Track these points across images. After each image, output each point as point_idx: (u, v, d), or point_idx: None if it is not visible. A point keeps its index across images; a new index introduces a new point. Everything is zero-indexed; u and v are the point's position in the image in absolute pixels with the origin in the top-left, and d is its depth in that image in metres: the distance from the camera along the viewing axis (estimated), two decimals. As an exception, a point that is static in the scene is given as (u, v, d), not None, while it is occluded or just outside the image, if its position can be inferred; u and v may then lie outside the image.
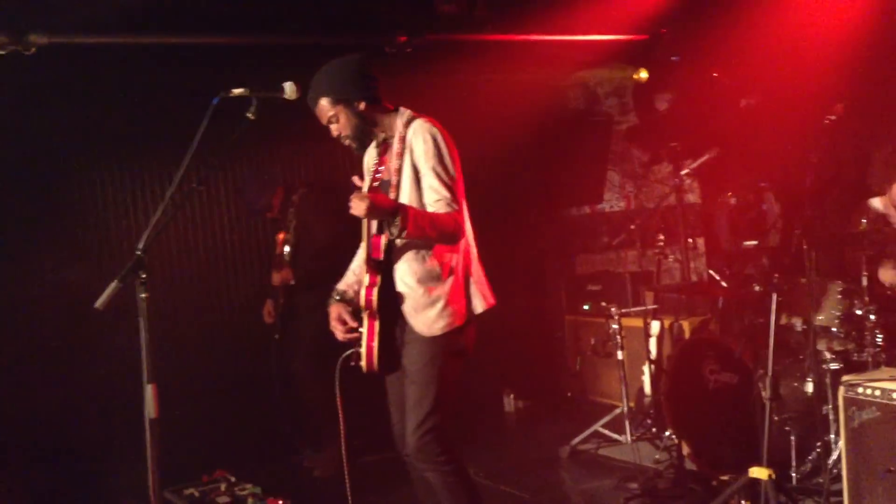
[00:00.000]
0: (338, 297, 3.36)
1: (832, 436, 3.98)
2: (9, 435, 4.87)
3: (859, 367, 3.93)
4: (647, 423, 5.26)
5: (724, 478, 4.26)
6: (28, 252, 5.18)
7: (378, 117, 3.28)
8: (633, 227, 5.50)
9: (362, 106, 3.23)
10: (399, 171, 3.18)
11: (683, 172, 5.23)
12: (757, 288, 4.53)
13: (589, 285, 6.65)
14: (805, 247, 3.91)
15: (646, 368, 5.38)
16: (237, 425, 5.47)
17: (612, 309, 5.39)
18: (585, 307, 6.56)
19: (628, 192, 7.00)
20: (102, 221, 5.55)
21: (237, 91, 2.93)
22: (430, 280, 3.16)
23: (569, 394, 6.73)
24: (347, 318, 3.24)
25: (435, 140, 3.16)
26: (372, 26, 5.33)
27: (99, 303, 2.57)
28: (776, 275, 3.90)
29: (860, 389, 3.33)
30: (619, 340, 5.35)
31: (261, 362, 5.41)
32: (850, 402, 3.37)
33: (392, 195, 3.15)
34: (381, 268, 3.17)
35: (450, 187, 3.13)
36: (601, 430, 5.36)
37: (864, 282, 3.98)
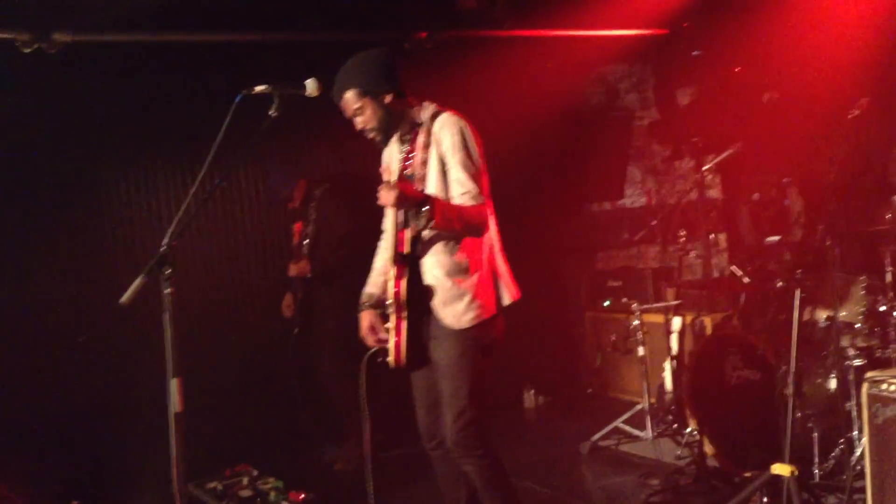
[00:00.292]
0: (367, 303, 3.37)
1: (855, 433, 3.95)
2: (38, 427, 4.94)
3: (883, 364, 3.90)
4: (669, 420, 5.25)
5: (746, 474, 4.24)
6: (54, 249, 5.24)
7: (403, 110, 3.28)
8: (654, 222, 5.48)
9: (388, 99, 3.23)
10: (425, 163, 3.19)
11: (705, 168, 5.19)
12: (780, 284, 4.50)
13: (610, 281, 6.64)
14: (828, 242, 3.88)
15: (667, 365, 5.36)
16: (259, 419, 5.51)
17: (633, 305, 5.38)
18: (606, 303, 6.54)
19: (649, 188, 6.97)
20: (126, 218, 5.60)
21: (259, 88, 2.94)
22: (458, 273, 3.17)
23: (589, 390, 6.72)
24: (378, 326, 3.27)
25: (462, 133, 3.17)
26: (392, 23, 5.34)
27: (124, 298, 2.60)
28: (799, 270, 3.87)
29: (884, 386, 3.30)
30: (640, 337, 5.34)
31: (283, 356, 5.45)
32: (873, 398, 3.34)
33: (419, 188, 3.16)
34: (408, 261, 3.19)
35: (476, 180, 3.15)
36: (622, 426, 5.35)
37: (889, 277, 3.95)
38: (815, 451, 4.09)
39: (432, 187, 3.17)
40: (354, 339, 5.05)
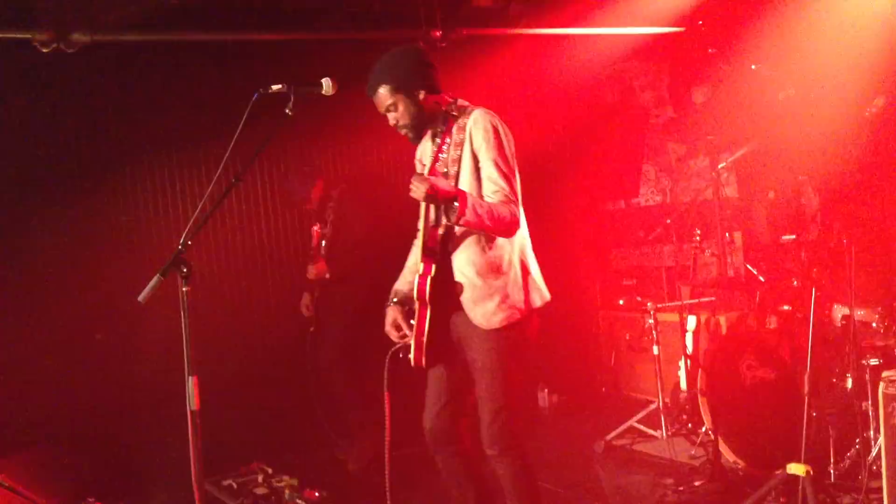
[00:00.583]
0: (395, 299, 3.36)
1: (871, 432, 3.93)
2: (54, 425, 4.98)
3: (900, 363, 3.88)
4: (683, 419, 5.23)
5: (762, 474, 4.23)
6: (71, 247, 5.27)
7: (437, 107, 3.27)
8: (668, 221, 5.46)
9: (422, 95, 3.23)
10: (458, 160, 3.17)
11: (721, 166, 5.18)
12: (795, 283, 4.48)
13: (624, 280, 6.63)
14: (845, 241, 3.86)
15: (681, 363, 5.34)
16: (275, 417, 5.53)
17: (648, 303, 5.36)
18: (620, 302, 6.53)
19: (664, 186, 6.95)
20: (144, 217, 5.64)
21: (276, 87, 2.96)
22: (489, 272, 3.16)
23: (603, 389, 6.71)
24: (403, 323, 3.26)
25: (496, 130, 3.16)
26: (407, 21, 5.34)
27: (141, 297, 2.62)
28: (815, 269, 3.86)
29: (901, 386, 3.29)
30: (654, 335, 5.33)
31: (298, 355, 5.47)
32: (890, 398, 3.32)
33: (450, 184, 3.13)
34: (437, 257, 3.18)
35: (508, 179, 3.13)
36: (636, 425, 5.35)
37: (906, 277, 3.93)
38: (831, 450, 4.07)
39: (464, 184, 3.16)
40: (361, 339, 5.10)
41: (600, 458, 5.21)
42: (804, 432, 3.56)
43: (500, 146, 3.14)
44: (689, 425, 5.14)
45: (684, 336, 5.28)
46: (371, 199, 5.55)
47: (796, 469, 3.53)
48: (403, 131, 3.30)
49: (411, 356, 3.19)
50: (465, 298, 3.17)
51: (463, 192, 3.06)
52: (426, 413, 3.36)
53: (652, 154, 7.02)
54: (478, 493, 3.38)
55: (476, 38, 5.58)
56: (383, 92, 3.23)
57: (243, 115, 2.88)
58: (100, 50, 4.76)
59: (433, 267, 3.15)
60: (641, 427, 5.33)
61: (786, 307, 4.61)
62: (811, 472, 3.50)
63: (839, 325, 4.29)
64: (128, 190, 5.61)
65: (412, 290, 3.22)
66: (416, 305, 3.18)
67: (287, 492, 4.48)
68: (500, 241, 3.18)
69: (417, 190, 3.00)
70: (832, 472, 4.05)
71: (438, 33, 5.35)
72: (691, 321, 5.43)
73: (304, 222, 5.86)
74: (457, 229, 3.13)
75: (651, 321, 5.34)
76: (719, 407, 4.57)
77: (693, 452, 4.86)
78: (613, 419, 5.47)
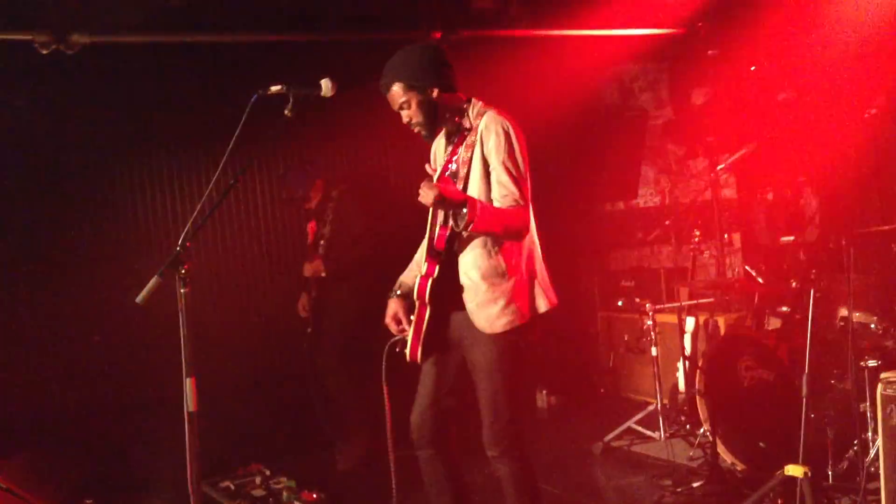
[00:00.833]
0: (398, 291, 3.33)
1: (870, 434, 3.93)
2: (52, 426, 4.98)
3: (898, 365, 3.88)
4: (681, 420, 5.24)
5: (760, 475, 4.23)
6: (69, 249, 5.28)
7: (451, 106, 3.24)
8: (667, 222, 5.46)
9: (435, 93, 3.19)
10: (469, 162, 3.14)
11: (720, 167, 5.19)
12: (794, 284, 4.48)
13: (623, 281, 6.63)
14: (844, 242, 3.86)
15: (680, 365, 5.35)
16: (272, 419, 5.53)
17: (647, 305, 5.37)
18: (619, 303, 6.53)
19: (663, 188, 6.95)
20: (142, 217, 5.64)
21: (275, 88, 2.96)
22: (494, 276, 3.13)
23: (602, 390, 6.71)
24: (403, 317, 3.25)
25: (507, 134, 3.12)
26: (407, 22, 5.34)
27: (139, 298, 2.62)
28: (814, 270, 3.86)
29: (899, 387, 3.29)
30: (652, 337, 5.33)
31: (296, 356, 5.47)
32: (888, 399, 3.32)
33: (459, 186, 3.11)
34: (442, 259, 3.16)
35: (519, 183, 3.10)
36: (634, 426, 5.35)
37: (904, 278, 3.93)
38: (829, 452, 4.07)
39: (474, 187, 3.13)
40: (358, 340, 5.10)
41: (599, 459, 5.21)
42: (802, 434, 3.56)
43: (510, 150, 3.11)
44: (688, 426, 5.14)
45: (683, 337, 5.28)
46: (371, 198, 5.55)
47: (794, 470, 3.53)
48: (416, 129, 3.26)
49: (407, 351, 3.19)
50: (469, 302, 3.15)
51: (472, 199, 3.02)
52: (414, 409, 3.33)
53: (651, 155, 7.02)
54: (454, 499, 3.35)
55: (476, 40, 5.58)
56: (396, 89, 3.19)
57: (242, 116, 2.88)
58: (99, 51, 4.75)
59: (436, 268, 3.14)
60: (640, 428, 5.34)
61: (784, 308, 4.61)
62: (809, 474, 3.49)
63: (837, 326, 4.29)
64: (126, 191, 5.62)
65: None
66: (416, 304, 3.17)
67: (285, 493, 4.48)
68: (508, 245, 3.16)
69: (426, 196, 2.96)
70: (830, 473, 4.05)
71: (438, 34, 5.35)
72: (690, 322, 5.44)
73: (303, 222, 5.86)
74: (463, 233, 3.10)
75: (650, 322, 5.35)
76: (718, 408, 4.57)
77: (691, 454, 4.86)
78: (612, 420, 5.47)
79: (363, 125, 5.81)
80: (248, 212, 5.98)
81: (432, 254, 3.17)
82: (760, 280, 4.89)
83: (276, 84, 2.96)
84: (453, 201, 2.98)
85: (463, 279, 3.17)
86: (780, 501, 3.79)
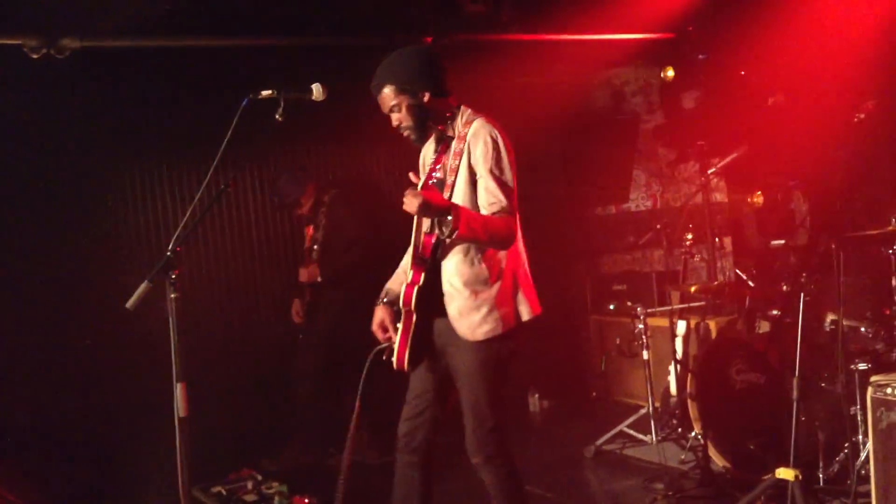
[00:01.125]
0: (385, 299, 3.32)
1: (860, 437, 3.94)
2: (42, 431, 4.95)
3: (888, 368, 3.88)
4: (673, 424, 5.24)
5: (751, 478, 4.24)
6: (60, 252, 5.26)
7: (441, 111, 3.22)
8: (659, 226, 5.47)
9: (426, 97, 3.17)
10: (456, 170, 3.13)
11: (710, 171, 5.20)
12: (785, 287, 4.50)
13: (614, 285, 6.63)
14: (833, 246, 3.88)
15: (671, 368, 5.35)
16: (264, 423, 5.52)
17: (638, 308, 5.38)
18: (611, 307, 6.53)
19: (654, 192, 6.97)
20: (133, 221, 5.62)
21: (266, 93, 2.96)
22: (476, 283, 3.12)
23: (594, 394, 6.72)
24: (389, 324, 3.23)
25: (495, 142, 3.10)
26: (398, 27, 5.34)
27: (129, 303, 2.61)
28: (804, 274, 3.87)
29: (889, 390, 3.30)
30: (644, 340, 5.33)
31: (288, 361, 5.46)
32: (878, 402, 3.33)
33: (446, 194, 3.09)
34: (427, 266, 3.14)
35: (506, 192, 3.07)
36: (626, 430, 5.35)
37: (894, 281, 3.94)
38: (820, 455, 4.08)
39: (460, 195, 3.11)
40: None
41: (590, 462, 5.21)
42: (793, 437, 3.57)
43: (498, 158, 3.09)
44: (679, 430, 5.15)
45: (674, 341, 5.29)
46: (363, 204, 5.55)
47: (785, 474, 3.54)
48: (405, 133, 3.24)
49: (394, 359, 3.16)
50: (452, 309, 3.14)
51: (457, 206, 3.00)
52: (402, 417, 3.33)
53: (642, 159, 7.04)
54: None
55: (467, 44, 5.59)
56: (388, 91, 3.17)
57: (233, 120, 2.88)
58: (91, 55, 4.74)
59: (422, 276, 3.12)
60: (632, 432, 5.34)
61: (775, 312, 4.62)
62: (800, 477, 3.51)
63: (828, 329, 4.30)
64: (118, 195, 5.61)
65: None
66: (402, 312, 3.15)
67: (277, 498, 4.47)
68: (491, 252, 3.14)
69: (410, 204, 2.92)
70: (821, 476, 4.06)
71: (430, 39, 5.36)
72: (681, 326, 5.45)
73: (295, 227, 5.85)
74: (448, 240, 3.08)
75: (641, 326, 5.35)
76: (709, 411, 4.58)
77: (683, 457, 4.86)
78: (604, 424, 5.48)
79: (354, 129, 5.82)
80: (240, 216, 5.97)
81: (418, 261, 3.16)
82: (751, 283, 4.91)
83: (267, 88, 2.96)
84: (438, 208, 2.96)
85: (446, 286, 3.15)
86: (771, 504, 3.79)
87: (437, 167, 3.17)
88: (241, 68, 5.27)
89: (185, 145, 5.52)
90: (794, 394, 3.62)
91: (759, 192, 5.43)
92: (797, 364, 3.61)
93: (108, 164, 5.53)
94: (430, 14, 5.39)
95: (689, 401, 4.75)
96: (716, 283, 5.30)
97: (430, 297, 3.13)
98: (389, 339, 3.22)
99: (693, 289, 5.04)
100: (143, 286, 2.60)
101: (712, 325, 5.49)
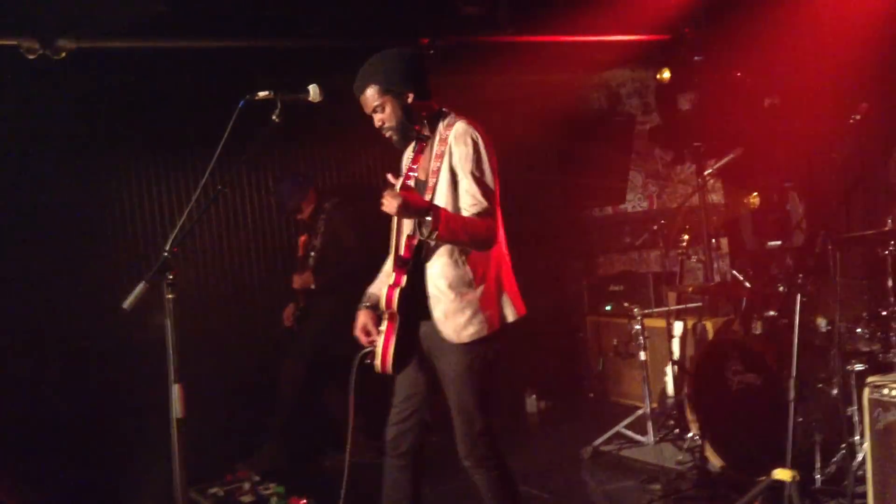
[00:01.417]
0: (367, 303, 3.31)
1: (857, 437, 3.95)
2: (38, 433, 4.94)
3: (885, 369, 3.89)
4: (670, 425, 5.25)
5: (748, 479, 4.24)
6: (57, 253, 5.24)
7: (424, 114, 3.22)
8: (655, 227, 5.48)
9: (409, 99, 3.17)
10: (437, 172, 3.13)
11: (707, 172, 5.22)
12: (781, 288, 4.51)
13: (611, 286, 6.64)
14: (830, 247, 3.88)
15: (668, 369, 5.36)
16: (261, 425, 5.51)
17: (635, 309, 5.38)
18: (608, 308, 6.54)
19: (651, 193, 6.98)
20: (129, 223, 5.62)
21: (262, 94, 2.95)
22: (461, 286, 3.12)
23: (591, 395, 6.72)
24: (372, 328, 3.21)
25: (476, 145, 3.10)
26: (394, 29, 5.34)
27: (126, 304, 2.61)
28: (800, 275, 3.88)
29: (885, 391, 3.31)
30: (641, 341, 5.34)
31: (283, 363, 5.45)
32: (875, 403, 3.34)
33: (427, 196, 3.09)
34: (409, 268, 3.13)
35: (486, 193, 3.08)
36: (623, 431, 5.35)
37: (890, 282, 3.95)
38: (817, 455, 4.09)
39: (441, 197, 3.12)
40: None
41: (588, 463, 5.21)
42: (790, 438, 3.57)
43: (479, 160, 3.10)
44: (676, 431, 5.16)
45: (671, 342, 5.29)
46: (364, 211, 5.54)
47: (782, 474, 3.54)
48: (388, 134, 3.24)
49: (377, 363, 3.13)
50: (437, 312, 3.13)
51: (437, 207, 3.00)
52: (389, 420, 3.33)
53: (639, 160, 7.05)
54: None
55: (463, 46, 5.59)
56: (371, 92, 3.17)
57: (230, 121, 2.87)
58: (87, 56, 4.74)
59: (404, 278, 3.11)
60: (629, 433, 5.34)
61: (772, 313, 4.63)
62: (797, 478, 3.51)
63: (824, 330, 4.31)
64: (114, 195, 5.60)
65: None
66: (384, 315, 3.13)
67: (273, 499, 4.46)
68: (475, 254, 3.14)
69: (390, 205, 2.93)
70: (818, 477, 4.07)
71: (426, 41, 5.36)
72: (678, 327, 5.46)
73: (292, 230, 5.85)
74: (430, 241, 3.08)
75: (638, 327, 5.36)
76: (706, 412, 4.58)
77: (680, 458, 4.86)
78: (601, 425, 5.47)
79: (351, 131, 5.80)
80: (237, 217, 5.97)
81: (399, 263, 3.15)
82: (748, 284, 4.92)
83: (263, 90, 2.95)
84: (417, 209, 2.96)
85: (431, 289, 3.15)
86: (767, 505, 3.80)
87: (415, 167, 3.17)
88: (237, 69, 5.27)
89: (183, 146, 5.52)
90: (791, 394, 3.62)
91: (756, 194, 5.42)
92: (794, 365, 3.61)
93: (103, 165, 5.52)
94: (426, 15, 5.39)
95: (686, 401, 4.76)
96: (712, 284, 5.32)
97: (414, 299, 3.11)
98: (372, 342, 3.18)
99: (690, 290, 5.05)
100: (140, 287, 2.60)
101: (709, 325, 5.50)
